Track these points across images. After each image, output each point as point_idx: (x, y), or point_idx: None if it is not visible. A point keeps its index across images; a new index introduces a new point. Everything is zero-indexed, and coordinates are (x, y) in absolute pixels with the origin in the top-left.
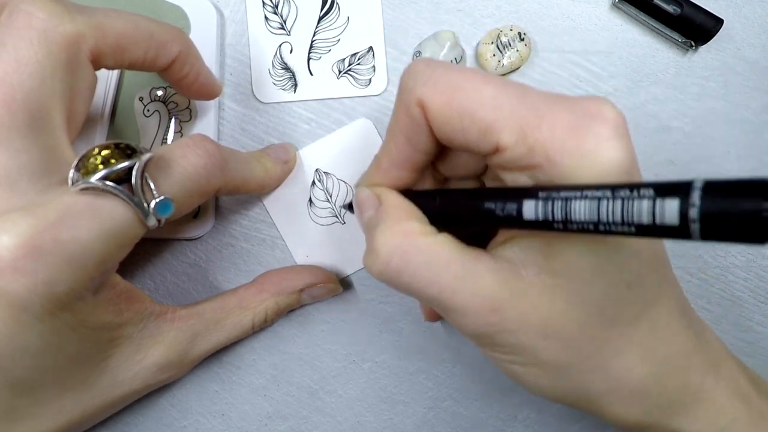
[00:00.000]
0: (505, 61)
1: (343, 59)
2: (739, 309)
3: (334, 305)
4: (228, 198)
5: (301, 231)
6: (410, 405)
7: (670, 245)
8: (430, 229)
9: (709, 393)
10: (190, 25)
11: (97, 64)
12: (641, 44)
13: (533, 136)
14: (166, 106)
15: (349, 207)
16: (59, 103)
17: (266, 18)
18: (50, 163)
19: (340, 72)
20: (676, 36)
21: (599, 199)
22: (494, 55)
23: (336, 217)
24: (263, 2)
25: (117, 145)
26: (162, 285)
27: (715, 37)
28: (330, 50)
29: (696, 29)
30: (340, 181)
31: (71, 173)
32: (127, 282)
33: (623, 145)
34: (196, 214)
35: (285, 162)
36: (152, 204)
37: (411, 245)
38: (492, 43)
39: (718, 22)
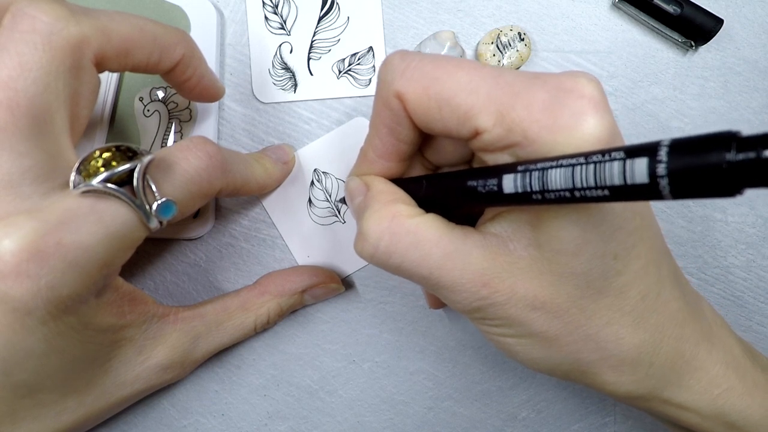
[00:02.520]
0: (505, 61)
1: (343, 59)
2: (739, 309)
3: (335, 305)
4: (228, 198)
5: (301, 231)
6: (410, 405)
7: (670, 246)
8: (417, 210)
9: (702, 362)
10: (190, 25)
11: (100, 67)
12: (641, 44)
13: (510, 116)
14: (166, 107)
15: (344, 201)
16: (63, 107)
17: (266, 18)
18: (53, 167)
19: (340, 72)
20: (676, 36)
21: (573, 166)
22: (494, 55)
23: (336, 216)
24: (263, 2)
25: (118, 148)
26: (162, 285)
27: (715, 37)
28: (330, 50)
29: (696, 29)
30: (339, 180)
31: (73, 176)
32: (130, 284)
33: (600, 118)
34: (196, 215)
35: (284, 163)
36: (154, 206)
37: (399, 226)
38: (492, 43)
39: (718, 22)
